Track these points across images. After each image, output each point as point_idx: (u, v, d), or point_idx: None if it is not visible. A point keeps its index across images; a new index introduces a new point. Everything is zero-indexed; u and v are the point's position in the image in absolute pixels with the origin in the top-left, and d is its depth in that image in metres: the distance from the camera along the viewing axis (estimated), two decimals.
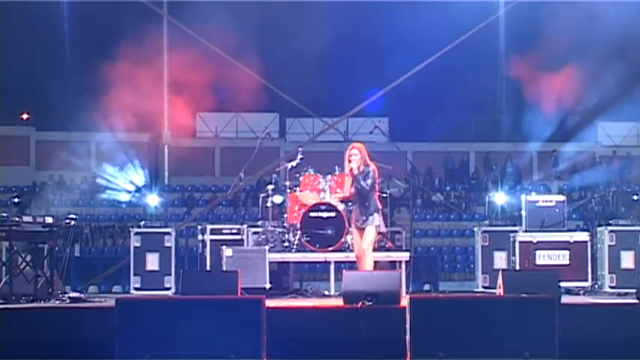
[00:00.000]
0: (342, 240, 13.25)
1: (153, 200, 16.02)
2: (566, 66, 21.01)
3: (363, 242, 11.88)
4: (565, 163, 28.54)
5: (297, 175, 14.01)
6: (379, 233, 12.46)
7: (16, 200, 16.53)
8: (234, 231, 14.40)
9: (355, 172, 11.90)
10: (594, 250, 13.97)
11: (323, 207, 13.52)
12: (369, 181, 11.86)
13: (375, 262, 12.20)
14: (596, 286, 13.80)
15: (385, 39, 25.21)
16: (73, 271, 13.92)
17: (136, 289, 14.13)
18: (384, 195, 14.52)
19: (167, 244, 14.22)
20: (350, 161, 11.92)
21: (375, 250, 12.52)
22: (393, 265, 13.51)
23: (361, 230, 11.94)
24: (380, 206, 12.11)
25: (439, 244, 24.86)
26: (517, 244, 13.84)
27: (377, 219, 11.93)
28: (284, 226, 13.95)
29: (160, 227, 14.45)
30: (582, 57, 20.86)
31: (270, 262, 13.24)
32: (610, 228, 13.84)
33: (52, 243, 12.41)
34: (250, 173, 17.70)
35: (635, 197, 15.17)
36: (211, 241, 14.30)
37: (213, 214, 24.74)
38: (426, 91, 24.79)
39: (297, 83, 21.93)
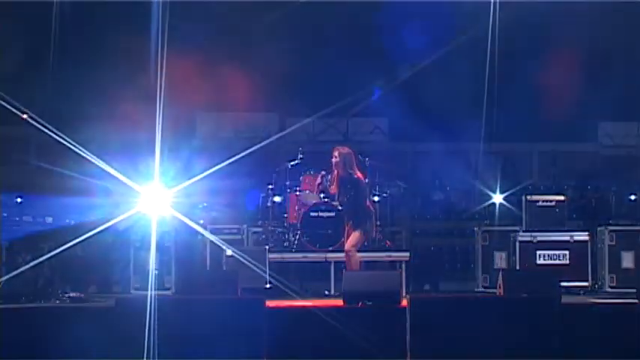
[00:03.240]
0: (342, 240, 13.24)
1: (156, 200, 16.00)
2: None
3: (348, 243, 11.92)
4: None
5: (298, 175, 14.01)
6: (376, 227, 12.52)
7: (19, 200, 16.50)
8: (234, 231, 14.40)
9: (340, 173, 11.94)
10: (594, 250, 13.97)
11: (323, 207, 13.52)
12: (354, 192, 11.89)
13: (375, 262, 12.22)
14: (596, 286, 13.80)
15: (385, 38, 25.18)
16: (73, 271, 13.90)
17: (136, 289, 14.12)
18: (384, 195, 14.53)
19: (167, 244, 14.22)
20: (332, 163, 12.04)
21: (375, 250, 12.56)
22: (393, 265, 13.52)
23: (350, 229, 11.97)
24: (371, 211, 12.15)
25: (439, 244, 24.78)
26: (517, 244, 13.84)
27: (365, 225, 11.93)
28: (284, 226, 13.95)
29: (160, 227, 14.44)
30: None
31: (270, 262, 13.24)
32: (610, 228, 13.86)
33: (52, 243, 12.40)
34: (250, 173, 17.66)
35: (633, 197, 15.16)
36: (211, 241, 14.30)
37: (213, 214, 24.67)
38: (426, 91, 24.76)
39: (298, 83, 21.91)
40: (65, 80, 24.34)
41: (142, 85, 19.64)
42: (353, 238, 11.89)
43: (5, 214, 12.28)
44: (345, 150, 12.03)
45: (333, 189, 12.18)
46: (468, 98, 26.61)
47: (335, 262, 13.38)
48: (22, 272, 11.97)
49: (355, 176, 11.92)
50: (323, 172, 13.71)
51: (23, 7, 21.57)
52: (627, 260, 13.67)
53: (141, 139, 27.18)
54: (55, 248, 12.51)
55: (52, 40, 23.31)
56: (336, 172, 12.02)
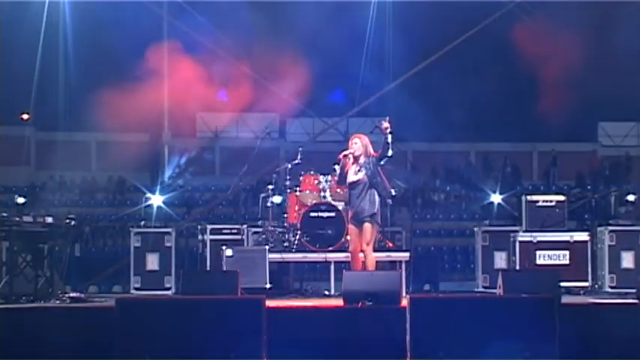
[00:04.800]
0: (342, 240, 13.24)
1: (157, 200, 16.06)
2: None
3: (363, 241, 11.81)
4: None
5: (298, 175, 14.01)
6: (378, 231, 12.42)
7: (21, 200, 16.54)
8: (234, 231, 14.40)
9: (357, 158, 11.85)
10: (594, 250, 13.97)
11: (323, 207, 13.53)
12: (373, 169, 11.81)
13: (376, 262, 12.18)
14: (596, 286, 13.80)
15: (385, 38, 25.21)
16: (73, 271, 13.91)
17: (136, 289, 14.14)
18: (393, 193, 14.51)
19: (167, 244, 14.23)
20: (351, 147, 11.93)
21: (375, 250, 12.52)
22: (393, 265, 13.52)
23: (359, 225, 11.90)
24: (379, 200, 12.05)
25: (439, 244, 24.83)
26: (517, 244, 13.84)
27: (378, 214, 11.86)
28: (284, 226, 13.95)
29: (160, 227, 14.46)
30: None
31: (270, 262, 13.24)
32: (610, 228, 13.85)
33: (52, 243, 12.40)
34: (250, 173, 17.68)
35: (631, 198, 15.16)
36: (211, 241, 14.31)
37: (213, 214, 24.72)
38: (426, 91, 24.79)
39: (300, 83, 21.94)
40: (67, 79, 24.36)
41: (143, 84, 19.69)
42: (367, 234, 11.78)
43: (5, 214, 12.26)
44: (364, 136, 12.04)
45: (353, 174, 11.91)
46: (468, 98, 26.70)
47: (335, 262, 13.38)
48: (22, 272, 11.98)
49: (374, 158, 11.88)
50: (322, 175, 13.73)
51: (30, 6, 21.66)
52: (627, 260, 13.67)
53: (141, 139, 27.25)
54: (55, 248, 12.52)
55: (55, 39, 23.36)
56: (352, 159, 11.89)
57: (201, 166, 27.36)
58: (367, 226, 11.75)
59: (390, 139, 11.61)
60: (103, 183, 28.32)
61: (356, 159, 11.85)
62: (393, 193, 12.12)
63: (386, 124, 11.65)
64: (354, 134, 12.26)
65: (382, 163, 11.82)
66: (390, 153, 11.69)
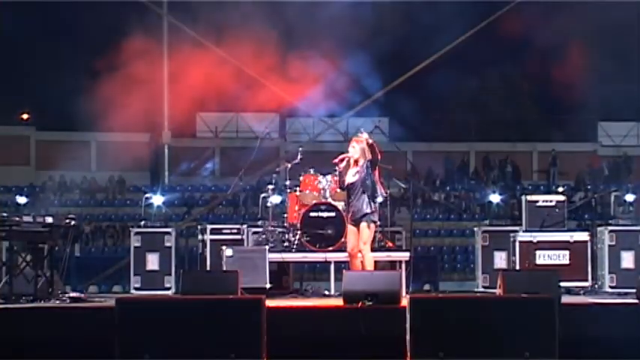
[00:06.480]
0: (342, 240, 13.22)
1: (157, 200, 16.05)
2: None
3: (361, 240, 11.86)
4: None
5: (298, 175, 14.01)
6: (377, 227, 12.42)
7: (22, 200, 16.55)
8: (234, 231, 14.40)
9: (356, 160, 11.92)
10: (594, 250, 13.97)
11: (323, 207, 13.52)
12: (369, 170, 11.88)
13: (375, 261, 12.20)
14: (596, 286, 13.80)
15: (385, 38, 25.23)
16: (73, 271, 13.92)
17: (136, 289, 14.13)
18: (384, 195, 14.52)
19: (167, 244, 14.23)
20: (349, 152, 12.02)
21: (375, 250, 12.52)
22: (393, 265, 13.52)
23: (356, 226, 11.92)
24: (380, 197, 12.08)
25: (439, 244, 24.88)
26: (517, 244, 13.84)
27: (374, 214, 11.91)
28: (284, 226, 13.95)
29: (160, 227, 14.46)
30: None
31: (270, 262, 13.24)
32: (610, 228, 13.85)
33: (52, 243, 12.40)
34: (250, 173, 17.69)
35: (631, 198, 15.14)
36: (211, 241, 14.30)
37: (213, 214, 24.76)
38: (426, 91, 24.81)
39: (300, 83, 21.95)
40: (67, 79, 24.36)
41: (143, 84, 19.69)
42: (364, 233, 11.84)
43: (5, 214, 12.26)
44: (362, 139, 12.09)
45: (352, 175, 12.00)
46: (468, 99, 26.71)
47: (335, 262, 13.37)
48: (22, 272, 11.98)
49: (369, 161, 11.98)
50: (322, 175, 13.75)
51: (30, 6, 21.67)
52: (627, 260, 13.66)
53: (141, 139, 27.23)
54: (55, 248, 12.51)
55: (55, 39, 23.37)
56: (351, 162, 11.97)
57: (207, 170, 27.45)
58: (364, 225, 11.85)
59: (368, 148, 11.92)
60: (103, 183, 28.34)
61: (355, 162, 11.96)
62: (381, 199, 12.19)
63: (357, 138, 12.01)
64: (353, 138, 12.32)
65: (373, 167, 11.99)
66: (377, 158, 11.94)
